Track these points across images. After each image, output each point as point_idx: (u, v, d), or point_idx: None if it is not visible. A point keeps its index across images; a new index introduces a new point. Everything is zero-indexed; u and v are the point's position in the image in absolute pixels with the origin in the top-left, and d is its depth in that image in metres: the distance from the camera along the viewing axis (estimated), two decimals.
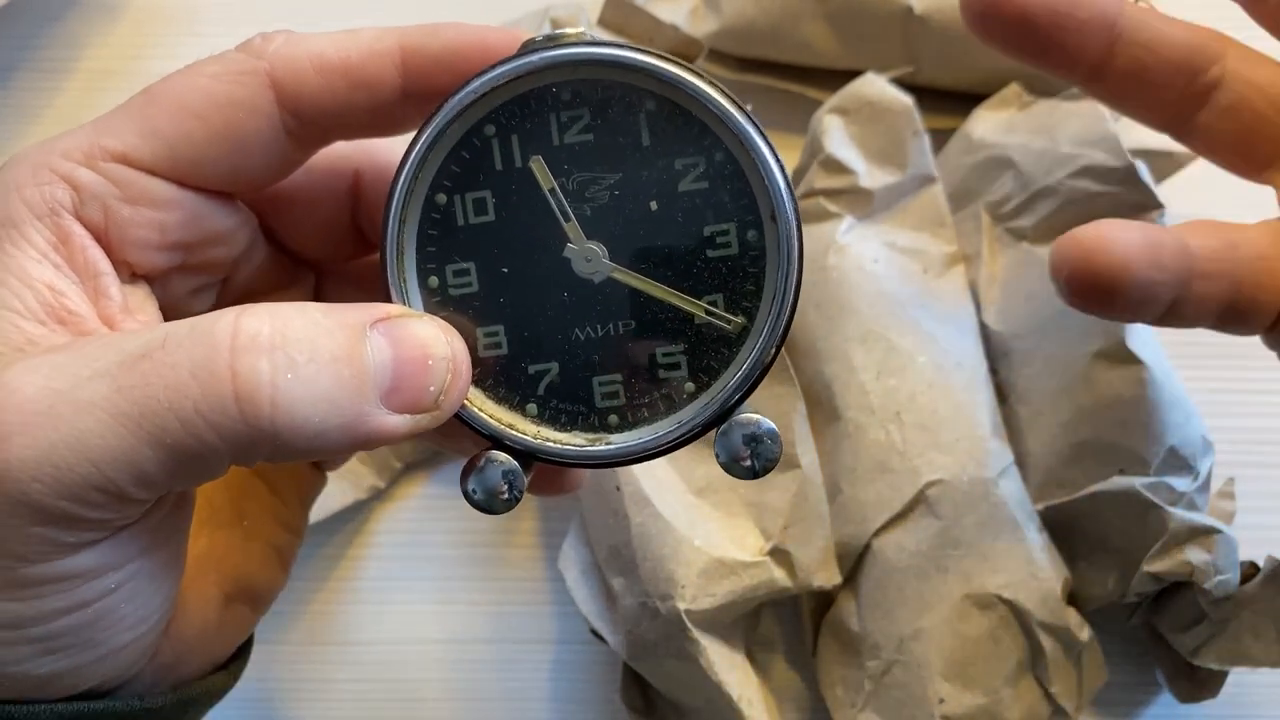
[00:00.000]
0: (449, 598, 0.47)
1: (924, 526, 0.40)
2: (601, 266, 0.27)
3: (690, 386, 0.27)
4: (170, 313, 0.28)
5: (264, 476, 0.33)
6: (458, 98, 0.26)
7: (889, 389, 0.42)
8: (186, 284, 0.29)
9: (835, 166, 0.44)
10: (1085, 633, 0.41)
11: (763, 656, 0.44)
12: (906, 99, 0.45)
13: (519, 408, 0.27)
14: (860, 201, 0.44)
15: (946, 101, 0.48)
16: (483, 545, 0.47)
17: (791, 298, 0.26)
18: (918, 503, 0.41)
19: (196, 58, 0.27)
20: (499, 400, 0.27)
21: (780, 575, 0.41)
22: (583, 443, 0.27)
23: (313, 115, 0.27)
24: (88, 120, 0.27)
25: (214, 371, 0.22)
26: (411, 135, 0.27)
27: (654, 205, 0.27)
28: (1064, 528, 0.42)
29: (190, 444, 0.22)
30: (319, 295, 0.34)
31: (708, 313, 0.27)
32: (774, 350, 0.27)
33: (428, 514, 0.48)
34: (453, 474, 0.48)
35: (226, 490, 0.32)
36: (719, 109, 0.26)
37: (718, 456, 0.27)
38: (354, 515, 0.47)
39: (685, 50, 0.48)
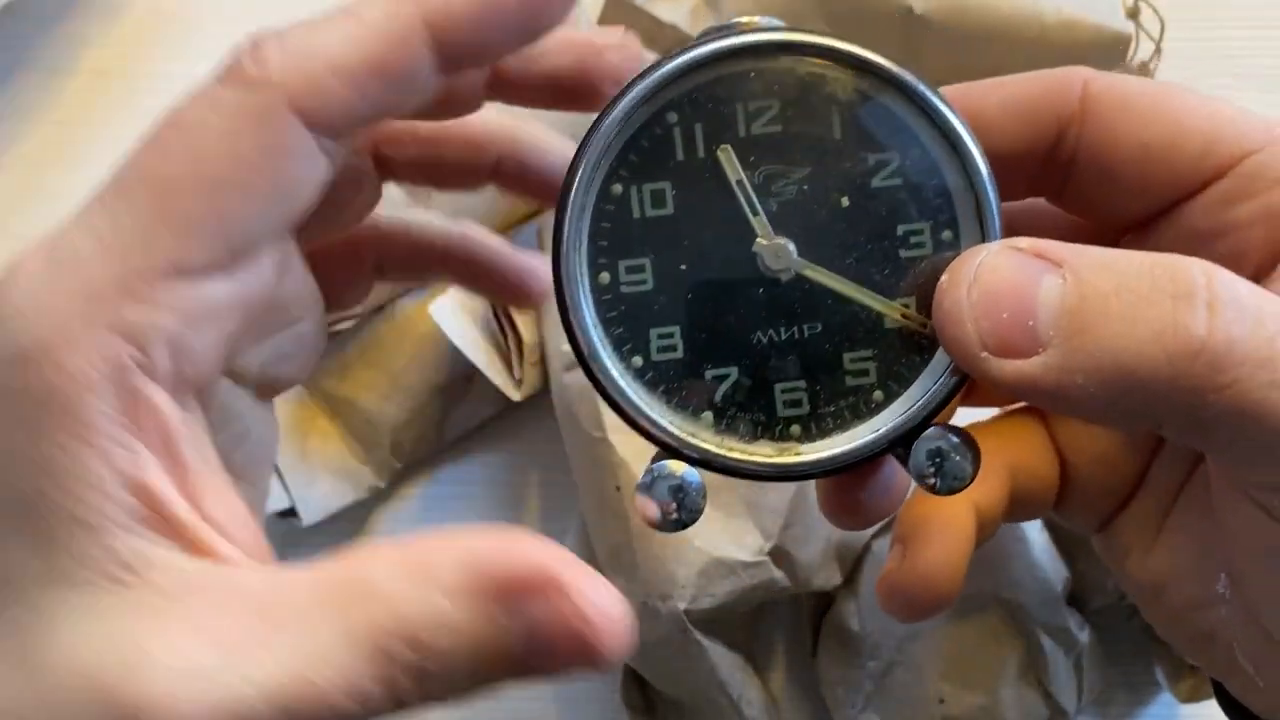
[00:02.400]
0: None
1: None
2: (792, 263, 0.25)
3: (879, 395, 0.25)
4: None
5: None
6: (640, 86, 0.24)
7: None
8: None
9: None
10: (1085, 633, 0.41)
11: (763, 656, 0.44)
12: None
13: (695, 414, 0.25)
14: None
15: None
16: None
17: None
18: None
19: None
20: (675, 407, 0.25)
21: (780, 575, 0.41)
22: (771, 453, 0.25)
23: (348, 127, 0.23)
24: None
25: None
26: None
27: (845, 201, 0.25)
28: (1064, 528, 0.42)
29: None
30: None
31: (903, 315, 0.25)
32: None
33: (428, 514, 0.48)
34: (453, 474, 0.48)
35: None
36: (924, 100, 0.24)
37: (904, 465, 0.25)
38: (354, 515, 0.47)
39: None
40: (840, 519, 0.29)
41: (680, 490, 0.25)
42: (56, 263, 0.21)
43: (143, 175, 0.21)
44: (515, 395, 0.45)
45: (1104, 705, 0.44)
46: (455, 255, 0.31)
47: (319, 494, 0.46)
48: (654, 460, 0.25)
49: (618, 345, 0.25)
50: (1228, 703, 0.30)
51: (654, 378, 0.25)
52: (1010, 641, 0.40)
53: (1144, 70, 0.47)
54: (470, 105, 0.27)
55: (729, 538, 0.41)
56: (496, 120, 0.28)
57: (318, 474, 0.46)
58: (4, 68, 0.53)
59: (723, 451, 0.25)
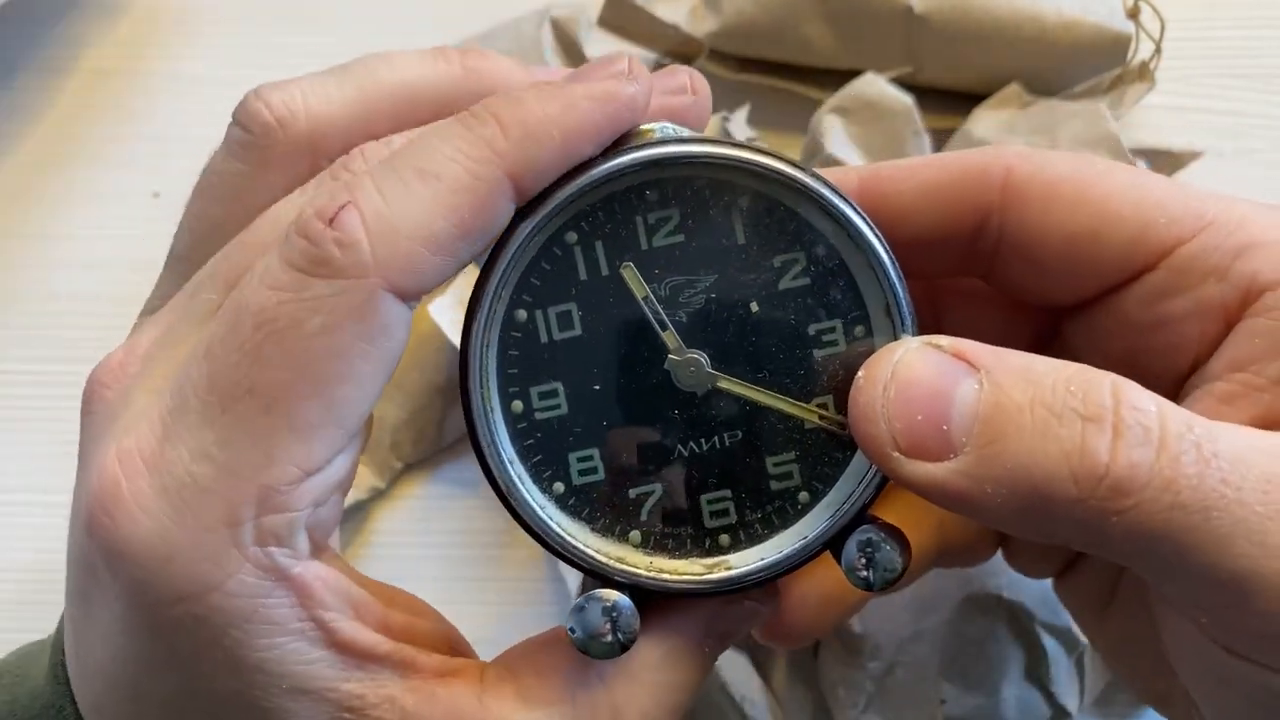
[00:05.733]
0: (449, 598, 0.46)
1: None
2: (704, 376, 0.25)
3: (804, 496, 0.25)
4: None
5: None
6: (541, 211, 0.24)
7: None
8: None
9: (835, 166, 0.44)
10: None
11: (764, 657, 0.44)
12: (906, 99, 0.45)
13: (622, 537, 0.25)
14: None
15: (946, 101, 0.48)
16: (483, 546, 0.47)
17: None
18: None
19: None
20: (600, 531, 0.25)
21: None
22: (701, 570, 0.25)
23: (436, 286, 0.23)
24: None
25: None
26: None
27: (754, 306, 0.25)
28: None
29: None
30: None
31: (820, 417, 0.25)
32: None
33: (428, 514, 0.47)
34: (452, 474, 0.48)
35: None
36: (823, 199, 0.24)
37: (838, 561, 0.25)
38: (354, 515, 0.47)
39: (685, 49, 0.48)
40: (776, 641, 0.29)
41: (614, 611, 0.24)
42: (174, 494, 0.21)
43: (247, 387, 0.21)
44: None
45: (1105, 705, 0.44)
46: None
47: None
48: (584, 586, 0.25)
49: (537, 474, 0.25)
50: None
51: (576, 504, 0.25)
52: (1012, 642, 0.40)
53: (1144, 70, 0.47)
54: None
55: None
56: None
57: None
58: (4, 68, 0.53)
59: (652, 574, 0.25)
